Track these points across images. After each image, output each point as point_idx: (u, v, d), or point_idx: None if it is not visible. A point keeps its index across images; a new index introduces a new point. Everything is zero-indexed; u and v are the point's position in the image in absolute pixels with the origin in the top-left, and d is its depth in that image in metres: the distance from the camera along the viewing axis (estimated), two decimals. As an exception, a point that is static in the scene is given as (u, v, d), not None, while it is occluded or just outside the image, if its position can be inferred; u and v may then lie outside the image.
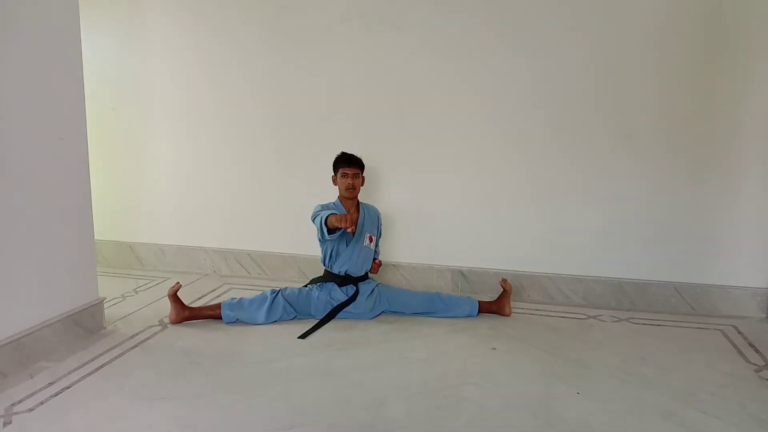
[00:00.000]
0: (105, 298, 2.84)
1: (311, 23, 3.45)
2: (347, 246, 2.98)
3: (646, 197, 3.15)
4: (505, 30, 3.19)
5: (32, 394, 2.09)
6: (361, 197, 3.12)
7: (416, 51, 3.32)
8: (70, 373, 2.27)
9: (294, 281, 3.57)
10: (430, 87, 3.34)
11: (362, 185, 3.05)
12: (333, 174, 3.02)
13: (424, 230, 3.48)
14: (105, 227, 3.69)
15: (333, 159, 3.01)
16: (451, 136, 3.35)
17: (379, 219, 3.15)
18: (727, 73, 2.96)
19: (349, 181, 2.95)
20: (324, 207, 2.97)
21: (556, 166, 3.24)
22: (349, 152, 3.01)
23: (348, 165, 2.97)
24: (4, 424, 1.88)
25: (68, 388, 2.15)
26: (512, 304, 3.06)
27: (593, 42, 3.09)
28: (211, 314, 2.86)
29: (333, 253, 3.00)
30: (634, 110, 3.10)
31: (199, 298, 3.27)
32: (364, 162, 3.02)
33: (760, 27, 2.89)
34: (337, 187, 3.02)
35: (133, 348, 2.54)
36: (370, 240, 3.02)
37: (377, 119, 3.44)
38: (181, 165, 3.81)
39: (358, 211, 3.04)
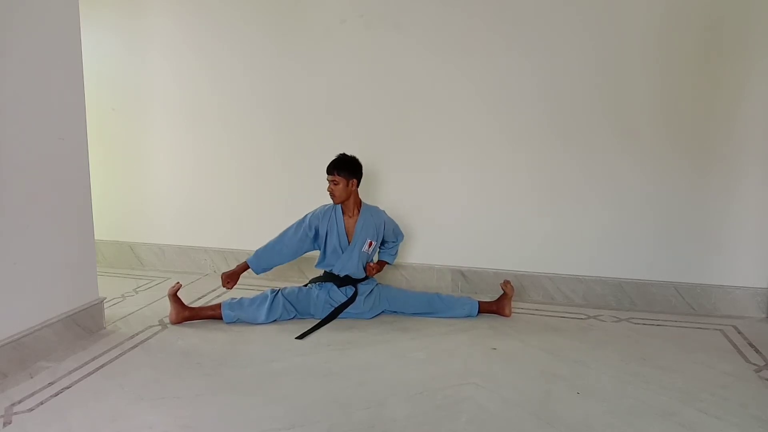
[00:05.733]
0: (105, 298, 2.84)
1: (312, 22, 3.45)
2: (343, 252, 2.97)
3: (646, 197, 3.15)
4: (507, 29, 3.19)
5: (32, 394, 2.09)
6: (361, 197, 3.10)
7: (417, 50, 3.32)
8: (70, 373, 2.27)
9: (294, 281, 3.57)
10: (430, 86, 3.34)
11: (352, 188, 2.95)
12: None
13: (424, 230, 3.48)
14: (105, 227, 3.70)
15: (334, 159, 2.99)
16: (452, 135, 3.35)
17: (385, 224, 3.05)
18: (728, 74, 2.96)
19: (329, 188, 2.93)
20: (319, 213, 2.99)
21: (556, 166, 3.24)
22: (345, 154, 2.97)
23: (327, 171, 2.93)
24: (4, 424, 1.88)
25: (68, 388, 2.15)
26: (512, 304, 3.06)
27: (596, 41, 3.09)
28: (212, 314, 2.86)
29: (328, 259, 2.99)
30: (635, 110, 3.10)
31: (200, 298, 3.27)
32: (362, 162, 2.99)
33: (761, 27, 2.89)
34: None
35: (133, 348, 2.54)
36: (369, 245, 3.00)
37: (378, 118, 3.44)
38: (182, 165, 3.81)
39: (358, 213, 3.00)
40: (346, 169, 2.91)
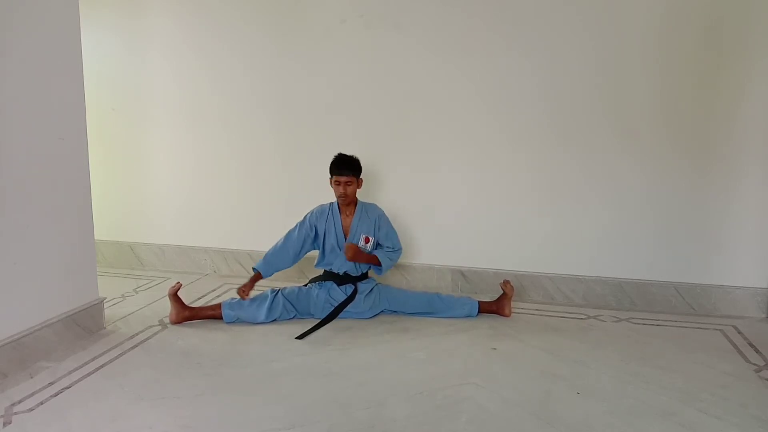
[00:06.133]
0: (105, 298, 2.84)
1: (312, 22, 3.45)
2: (341, 250, 2.97)
3: (646, 197, 3.15)
4: (507, 29, 3.19)
5: (32, 394, 2.09)
6: (360, 197, 3.11)
7: (417, 50, 3.32)
8: (70, 373, 2.27)
9: (294, 281, 3.56)
10: (430, 86, 3.34)
11: (359, 187, 3.00)
12: (329, 177, 2.97)
13: (424, 230, 3.48)
14: (105, 227, 3.69)
15: (342, 160, 2.96)
16: (452, 135, 3.35)
17: (379, 219, 3.05)
18: (728, 74, 2.96)
19: (342, 189, 2.91)
20: (317, 212, 3.00)
21: (556, 166, 3.24)
22: (346, 154, 2.96)
23: (339, 172, 2.90)
24: (4, 424, 1.88)
25: (68, 388, 2.15)
26: (512, 304, 3.06)
27: (596, 41, 3.09)
28: (212, 314, 2.86)
29: (327, 258, 3.00)
30: (635, 110, 3.10)
31: (199, 298, 3.27)
32: (362, 162, 2.99)
33: (761, 27, 2.89)
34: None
35: (133, 348, 2.54)
36: (366, 241, 2.99)
37: (378, 118, 3.44)
38: (182, 165, 3.81)
39: (354, 212, 3.00)
40: (357, 168, 2.94)
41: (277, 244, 3.03)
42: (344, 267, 2.97)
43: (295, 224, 3.06)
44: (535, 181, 3.28)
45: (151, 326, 2.80)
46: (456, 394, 2.12)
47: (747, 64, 2.93)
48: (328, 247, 3.00)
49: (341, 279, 2.98)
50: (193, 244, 3.87)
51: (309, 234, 3.01)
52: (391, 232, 3.09)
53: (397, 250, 3.09)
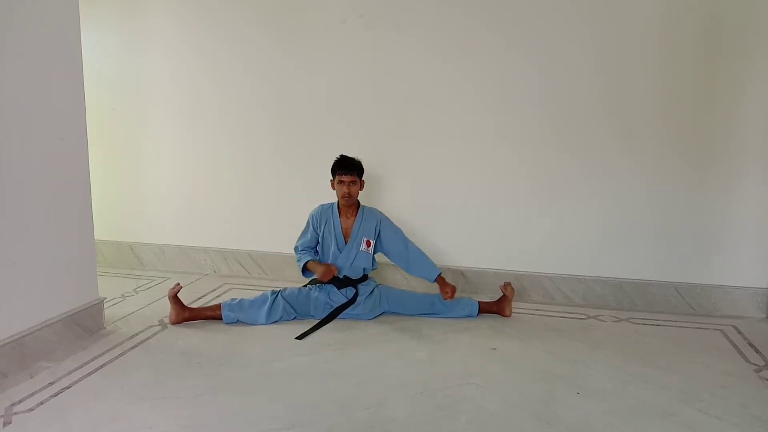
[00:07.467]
0: (105, 298, 2.84)
1: (312, 22, 3.45)
2: (341, 253, 2.97)
3: (646, 197, 3.15)
4: (507, 29, 3.19)
5: (32, 394, 2.09)
6: (361, 198, 3.11)
7: (417, 50, 3.32)
8: (70, 373, 2.27)
9: (294, 281, 3.56)
10: (430, 86, 3.34)
11: (361, 189, 3.01)
12: (331, 178, 2.97)
13: (423, 230, 3.47)
14: (105, 227, 3.69)
15: (333, 159, 2.99)
16: (452, 135, 3.35)
17: (380, 223, 3.02)
18: (728, 74, 2.96)
19: (345, 189, 2.90)
20: (317, 214, 3.01)
21: (556, 167, 3.24)
22: (348, 155, 2.97)
23: (344, 171, 2.90)
24: (4, 424, 1.88)
25: (68, 388, 2.15)
26: (512, 304, 3.05)
27: (596, 42, 3.09)
28: (212, 315, 2.85)
29: (328, 260, 2.99)
30: (635, 110, 3.10)
31: (199, 298, 3.27)
32: (363, 164, 2.99)
33: (761, 27, 2.89)
34: (335, 191, 2.98)
35: (133, 348, 2.54)
36: (368, 245, 2.98)
37: (378, 119, 3.44)
38: (182, 165, 3.81)
39: (356, 215, 3.00)
40: (360, 169, 2.96)
41: (302, 252, 3.02)
42: (344, 270, 2.96)
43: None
44: (535, 180, 3.28)
45: (151, 326, 2.80)
46: (456, 394, 2.12)
47: (747, 64, 2.93)
48: (327, 249, 3.00)
49: (341, 282, 2.97)
50: (193, 244, 3.87)
51: (314, 236, 3.01)
52: (398, 232, 3.06)
53: (411, 244, 3.05)
